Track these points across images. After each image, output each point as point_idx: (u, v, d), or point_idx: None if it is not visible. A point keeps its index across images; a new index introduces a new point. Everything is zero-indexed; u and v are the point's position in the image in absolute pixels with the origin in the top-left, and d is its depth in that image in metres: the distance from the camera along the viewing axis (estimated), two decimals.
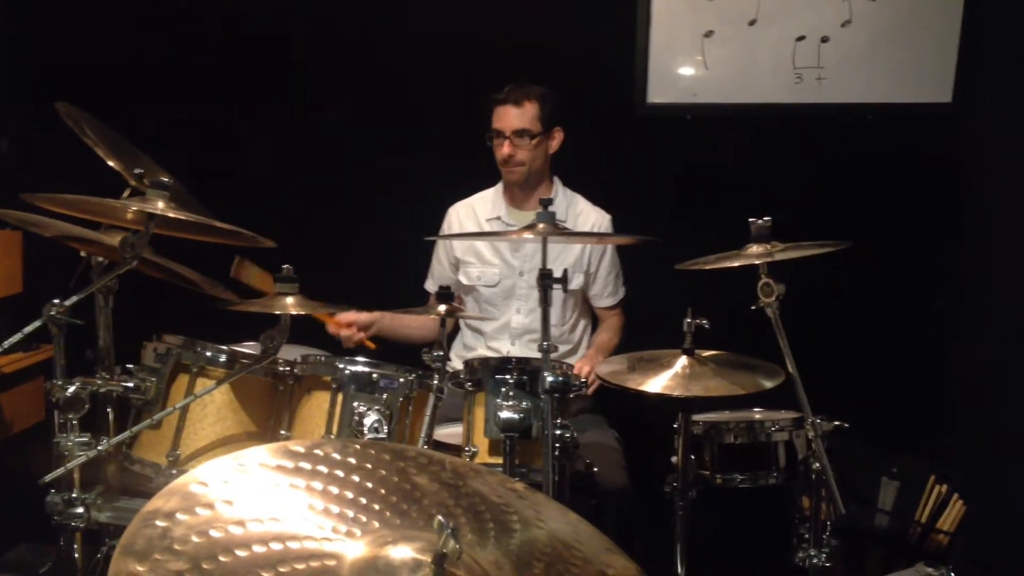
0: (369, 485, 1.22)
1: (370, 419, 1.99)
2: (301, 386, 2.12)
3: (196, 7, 3.31)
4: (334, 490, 1.19)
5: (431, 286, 3.01)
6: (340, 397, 2.04)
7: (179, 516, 1.08)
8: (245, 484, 1.16)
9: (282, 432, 2.10)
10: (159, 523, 1.07)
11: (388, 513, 1.18)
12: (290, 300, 2.00)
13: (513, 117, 2.74)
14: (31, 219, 2.21)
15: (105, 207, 2.06)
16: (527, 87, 2.77)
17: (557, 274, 2.03)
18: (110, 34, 3.30)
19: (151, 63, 3.29)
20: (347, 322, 2.70)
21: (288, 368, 2.12)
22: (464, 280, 2.92)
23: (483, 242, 2.90)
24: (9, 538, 2.81)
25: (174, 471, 1.98)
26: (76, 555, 1.98)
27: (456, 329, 3.01)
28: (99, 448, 1.92)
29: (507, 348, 2.85)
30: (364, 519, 1.15)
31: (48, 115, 2.34)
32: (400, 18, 3.28)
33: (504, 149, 2.75)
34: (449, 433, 2.26)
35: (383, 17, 3.28)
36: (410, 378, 2.06)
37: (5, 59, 3.29)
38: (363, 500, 1.19)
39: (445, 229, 2.98)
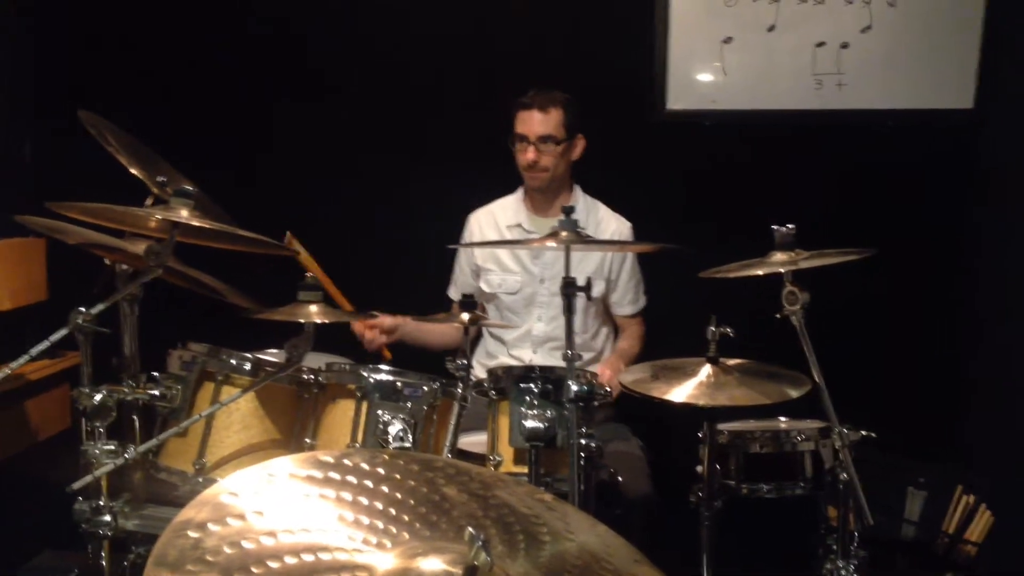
0: (398, 496, 1.22)
1: (395, 428, 1.99)
2: (326, 394, 2.12)
3: (211, 9, 3.33)
4: (364, 501, 1.19)
5: (454, 293, 3.01)
6: (365, 405, 2.04)
7: (211, 527, 1.08)
8: (276, 495, 1.16)
9: (307, 440, 2.10)
10: (191, 534, 1.07)
11: (418, 524, 1.17)
12: (314, 308, 2.01)
13: (538, 123, 2.74)
14: (56, 227, 2.23)
15: (129, 215, 2.08)
16: (552, 93, 2.77)
17: (579, 282, 2.02)
18: (128, 40, 3.33)
19: (167, 67, 3.32)
20: (371, 324, 2.71)
21: (313, 376, 2.12)
22: (485, 288, 2.91)
23: (504, 249, 2.90)
24: (35, 545, 2.83)
25: (200, 479, 1.99)
26: (103, 563, 1.98)
27: (478, 337, 3.00)
28: (126, 456, 1.92)
29: (529, 356, 2.84)
30: (394, 530, 1.15)
31: (71, 123, 2.36)
32: (420, 21, 3.28)
33: (528, 155, 2.74)
34: (473, 442, 2.25)
35: (403, 20, 3.29)
36: (434, 387, 2.06)
37: (28, 67, 3.31)
38: (392, 511, 1.18)
39: (466, 237, 2.98)
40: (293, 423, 2.12)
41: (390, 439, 1.99)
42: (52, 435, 3.02)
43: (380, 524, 1.15)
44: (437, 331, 2.86)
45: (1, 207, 2.94)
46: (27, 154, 3.32)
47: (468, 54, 3.27)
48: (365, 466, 1.27)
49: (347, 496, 1.19)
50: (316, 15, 3.31)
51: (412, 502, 1.21)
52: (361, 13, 3.31)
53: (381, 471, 1.27)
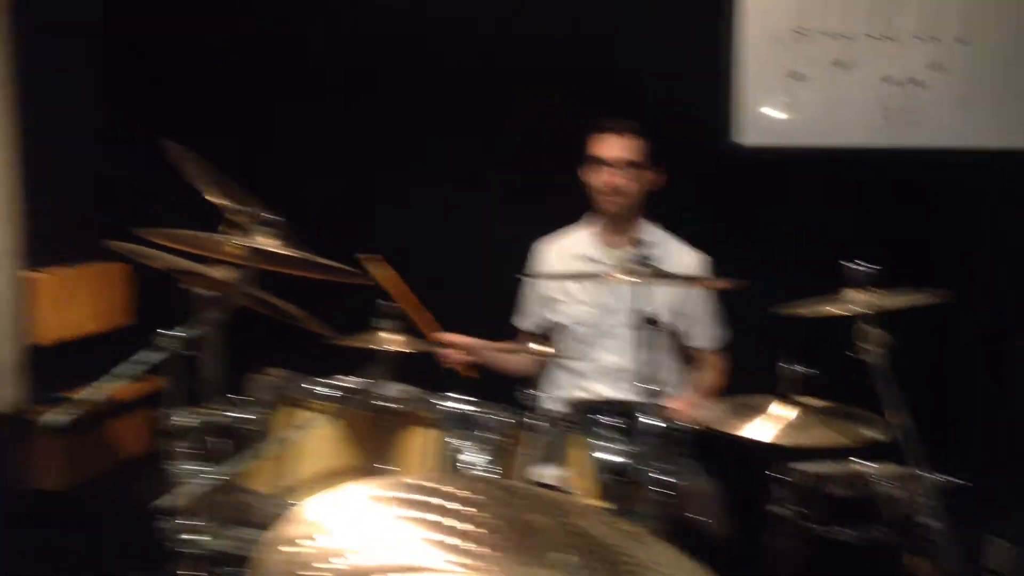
0: (483, 520, 1.23)
1: (469, 457, 2.00)
2: (401, 422, 2.13)
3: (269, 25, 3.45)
4: (450, 524, 1.20)
5: (521, 323, 3.01)
6: (439, 434, 2.06)
7: (302, 545, 1.10)
8: (363, 516, 1.19)
9: (383, 467, 2.12)
10: (284, 550, 1.09)
11: (505, 550, 1.18)
12: (392, 336, 2.04)
13: (622, 147, 2.76)
14: (141, 251, 2.30)
15: (211, 242, 2.15)
16: (630, 121, 2.79)
17: (651, 315, 2.02)
18: (204, 67, 3.48)
19: (247, 90, 3.45)
20: (450, 341, 2.71)
21: (390, 404, 2.15)
22: (554, 318, 2.91)
23: (569, 280, 2.90)
24: (120, 565, 2.86)
25: (279, 501, 2.03)
26: None
27: (548, 367, 2.99)
28: (208, 477, 1.97)
29: (599, 388, 2.81)
30: (481, 554, 1.16)
31: (150, 149, 2.43)
32: (490, 50, 3.37)
33: (609, 178, 2.76)
34: (546, 474, 2.25)
35: (474, 48, 3.38)
36: (509, 417, 2.07)
37: (111, 95, 3.44)
38: (479, 535, 1.19)
39: (535, 266, 2.99)
40: (369, 450, 2.14)
41: (464, 468, 2.00)
42: (136, 456, 3.09)
43: (467, 547, 1.16)
44: (510, 359, 2.86)
45: (86, 232, 3.06)
46: (110, 180, 3.41)
47: (533, 85, 3.33)
48: (448, 490, 1.28)
49: (434, 519, 1.21)
50: (390, 41, 3.41)
51: (497, 527, 1.22)
52: (430, 43, 3.40)
53: (465, 495, 1.28)
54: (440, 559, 1.13)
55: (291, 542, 1.13)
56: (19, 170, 2.91)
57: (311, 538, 1.14)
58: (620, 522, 1.37)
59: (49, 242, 3.03)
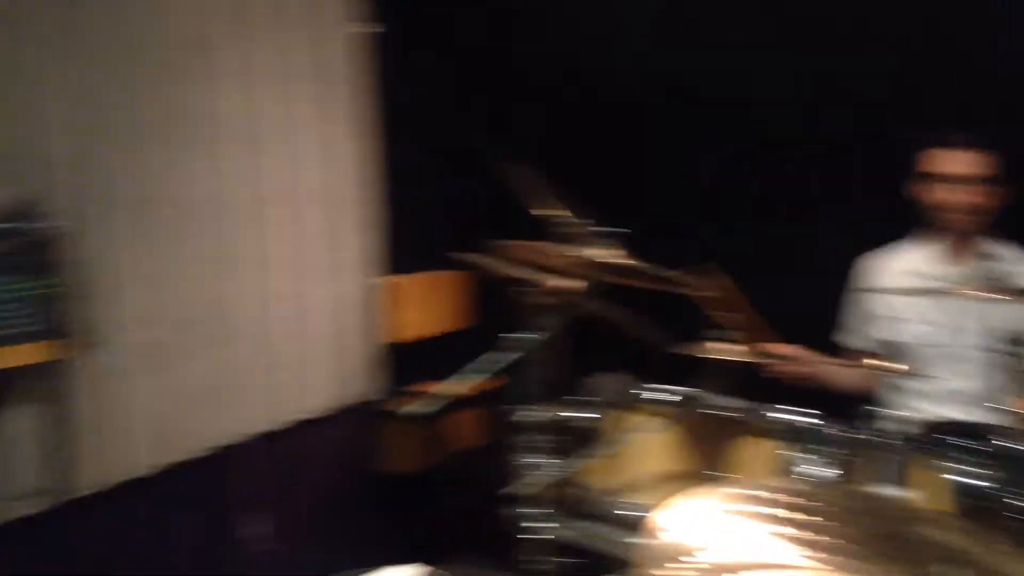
0: (847, 529, 1.24)
1: (804, 469, 1.98)
2: (738, 431, 2.16)
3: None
4: (811, 533, 1.22)
5: (847, 340, 2.90)
6: (777, 446, 2.06)
7: (667, 543, 1.19)
8: (715, 516, 1.25)
9: (719, 474, 2.16)
10: (654, 545, 1.18)
11: (867, 557, 1.18)
12: (725, 346, 2.08)
13: (970, 162, 2.60)
14: (486, 262, 2.51)
15: (549, 253, 2.30)
16: (972, 135, 2.63)
17: (1004, 335, 1.88)
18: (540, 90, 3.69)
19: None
20: (782, 352, 2.64)
21: (726, 413, 2.18)
22: (890, 337, 2.77)
23: (906, 298, 2.75)
24: (458, 542, 3.12)
25: (614, 498, 2.15)
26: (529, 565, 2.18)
27: (882, 386, 2.86)
28: (549, 471, 2.12)
29: (943, 410, 2.64)
30: (850, 563, 1.17)
31: (495, 167, 2.63)
32: (820, 57, 3.31)
33: (955, 195, 2.61)
34: (889, 493, 2.16)
35: (807, 56, 3.34)
36: (851, 433, 2.02)
37: (460, 119, 3.76)
38: (845, 543, 1.21)
39: (861, 282, 2.87)
40: (706, 456, 2.19)
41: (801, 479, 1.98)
42: (474, 446, 3.39)
43: (835, 555, 1.18)
44: (841, 374, 2.77)
45: (435, 243, 3.39)
46: (458, 196, 3.71)
47: (861, 98, 3.25)
48: (798, 495, 1.31)
49: (786, 521, 1.24)
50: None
51: (862, 536, 1.23)
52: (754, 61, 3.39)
53: (826, 505, 1.30)
54: (800, 558, 1.16)
55: (658, 539, 1.21)
56: (383, 188, 3.28)
57: (674, 536, 1.22)
58: (1002, 545, 1.31)
59: (405, 251, 3.38)
